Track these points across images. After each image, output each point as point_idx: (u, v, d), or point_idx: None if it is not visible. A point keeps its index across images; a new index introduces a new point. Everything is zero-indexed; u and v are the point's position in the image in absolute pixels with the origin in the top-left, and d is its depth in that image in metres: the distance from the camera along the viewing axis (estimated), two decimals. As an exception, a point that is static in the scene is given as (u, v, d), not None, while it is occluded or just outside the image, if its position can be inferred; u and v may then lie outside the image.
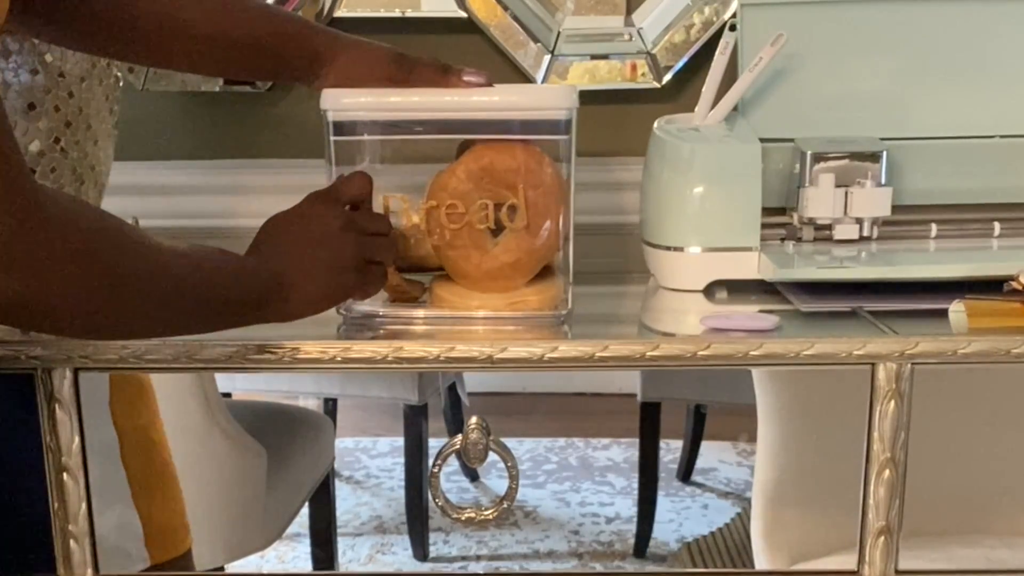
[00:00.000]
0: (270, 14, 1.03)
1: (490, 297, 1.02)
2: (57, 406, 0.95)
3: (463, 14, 1.62)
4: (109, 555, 1.03)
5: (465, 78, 1.00)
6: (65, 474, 0.96)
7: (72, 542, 0.98)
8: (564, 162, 1.01)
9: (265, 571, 2.15)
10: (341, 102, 1.00)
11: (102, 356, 0.94)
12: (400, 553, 2.28)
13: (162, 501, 1.11)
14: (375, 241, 0.95)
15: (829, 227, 1.14)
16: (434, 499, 1.03)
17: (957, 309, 0.98)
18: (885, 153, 1.13)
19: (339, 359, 0.95)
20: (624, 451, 2.69)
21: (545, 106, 1.01)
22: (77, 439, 0.96)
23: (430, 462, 1.16)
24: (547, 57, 1.65)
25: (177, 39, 0.99)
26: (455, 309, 1.02)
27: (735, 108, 1.18)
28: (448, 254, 1.01)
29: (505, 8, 1.62)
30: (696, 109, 1.20)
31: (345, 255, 0.92)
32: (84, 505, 0.97)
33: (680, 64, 1.61)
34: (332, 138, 1.00)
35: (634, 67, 1.63)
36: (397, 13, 1.64)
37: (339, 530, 2.08)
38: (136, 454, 1.08)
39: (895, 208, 1.14)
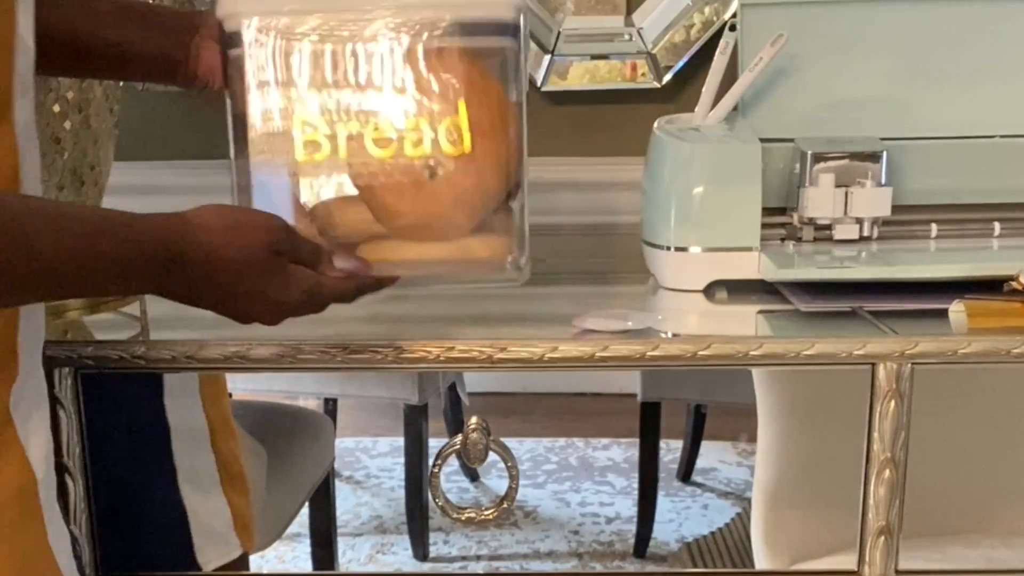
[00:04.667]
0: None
1: (428, 247, 0.87)
2: (57, 406, 0.95)
3: (463, 14, 1.62)
4: (208, 539, 1.10)
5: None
6: (65, 474, 0.96)
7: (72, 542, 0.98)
8: (512, 81, 0.87)
9: (265, 571, 2.15)
10: (238, 7, 0.86)
11: (103, 356, 0.94)
12: (400, 553, 2.28)
13: (242, 489, 1.15)
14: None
15: (829, 227, 1.14)
16: (434, 499, 1.03)
17: (957, 309, 0.98)
18: (885, 153, 1.13)
19: (339, 359, 0.95)
20: (624, 451, 2.69)
21: (488, 2, 0.86)
22: (77, 439, 0.96)
23: (430, 462, 1.16)
24: (547, 57, 1.65)
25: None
26: (388, 261, 0.88)
27: (735, 108, 1.18)
28: (376, 193, 0.86)
29: (505, 8, 1.62)
30: (696, 109, 1.20)
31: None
32: (84, 505, 0.97)
33: (680, 64, 1.61)
34: (230, 52, 0.86)
35: (634, 67, 1.63)
36: (397, 13, 1.64)
37: (339, 530, 2.08)
38: (223, 441, 1.13)
39: (895, 208, 1.13)
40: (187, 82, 0.92)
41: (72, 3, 0.91)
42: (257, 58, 0.85)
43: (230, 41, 0.83)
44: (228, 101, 0.86)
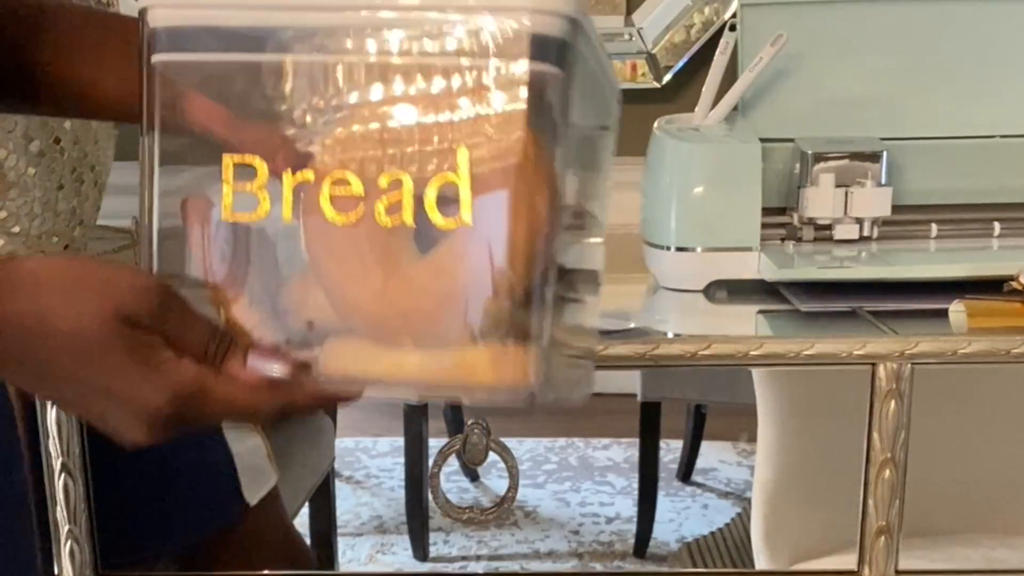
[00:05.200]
0: None
1: (408, 356, 0.59)
2: (58, 408, 0.95)
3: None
4: (251, 476, 1.21)
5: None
6: (66, 475, 0.96)
7: (72, 542, 0.98)
8: (550, 126, 0.57)
9: (266, 571, 2.14)
10: None
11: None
12: (400, 553, 2.28)
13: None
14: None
15: (829, 227, 1.14)
16: (434, 499, 1.03)
17: (957, 309, 0.98)
18: (885, 153, 1.13)
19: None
20: (624, 451, 2.69)
21: (517, 6, 0.56)
22: (77, 439, 0.96)
23: (430, 462, 1.16)
24: (547, 57, 1.65)
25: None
26: (349, 376, 0.60)
27: (735, 108, 1.18)
28: (332, 273, 0.60)
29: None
30: (696, 109, 1.20)
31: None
32: (84, 505, 0.97)
33: (680, 64, 1.61)
34: (155, 58, 0.60)
35: (634, 67, 1.63)
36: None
37: (339, 530, 2.08)
38: None
39: (895, 208, 1.13)
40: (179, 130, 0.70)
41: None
42: (176, 66, 0.61)
43: (152, 43, 0.61)
44: (143, 119, 0.62)
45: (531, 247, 0.58)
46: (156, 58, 0.61)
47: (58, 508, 0.97)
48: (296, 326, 0.60)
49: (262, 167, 0.59)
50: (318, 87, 0.59)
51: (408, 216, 0.57)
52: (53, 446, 0.96)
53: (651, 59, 1.62)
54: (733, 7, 1.38)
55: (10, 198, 1.01)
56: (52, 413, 0.96)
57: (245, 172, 0.59)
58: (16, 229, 1.03)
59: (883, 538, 0.98)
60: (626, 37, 1.65)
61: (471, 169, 0.57)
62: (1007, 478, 1.34)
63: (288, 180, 0.58)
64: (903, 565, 0.99)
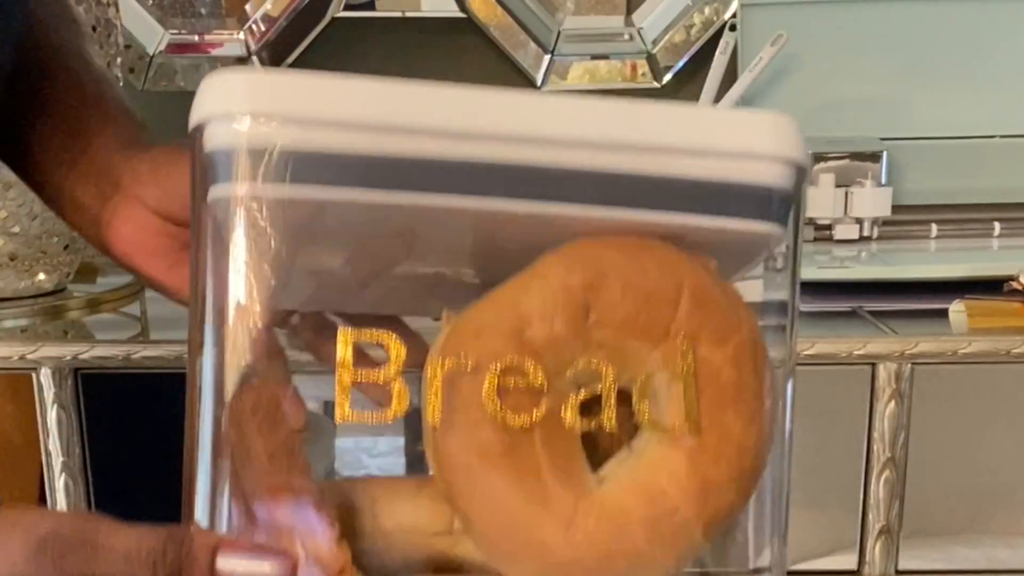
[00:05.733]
0: None
1: None
2: (58, 407, 0.95)
3: (463, 14, 1.62)
4: None
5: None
6: (65, 475, 0.96)
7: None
8: (775, 305, 0.48)
9: (265, 571, 2.15)
10: (261, 97, 0.43)
11: (103, 356, 0.94)
12: (400, 553, 2.28)
13: None
14: None
15: (829, 227, 1.14)
16: (434, 499, 1.02)
17: (957, 309, 0.98)
18: (885, 153, 1.13)
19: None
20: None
21: (737, 151, 0.44)
22: (77, 439, 0.96)
23: (430, 462, 1.16)
24: (547, 57, 1.65)
25: None
26: None
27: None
28: (491, 496, 0.43)
29: (505, 8, 1.62)
30: (696, 109, 1.20)
31: None
32: (84, 506, 0.97)
33: (680, 64, 1.61)
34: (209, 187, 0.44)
35: (634, 67, 1.63)
36: (397, 13, 1.64)
37: (339, 530, 2.07)
38: None
39: (895, 208, 1.13)
40: (106, 253, 0.59)
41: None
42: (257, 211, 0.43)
43: (208, 168, 0.44)
44: (192, 280, 0.46)
45: (756, 464, 0.48)
46: (211, 188, 0.43)
47: (58, 509, 0.97)
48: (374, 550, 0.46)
49: (398, 347, 0.43)
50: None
51: (610, 417, 0.42)
52: (53, 446, 0.96)
53: (651, 59, 1.62)
54: (733, 7, 1.38)
55: (10, 198, 1.01)
56: (52, 413, 0.96)
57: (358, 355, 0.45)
58: (16, 229, 1.03)
59: (883, 538, 0.98)
60: (626, 37, 1.65)
61: (685, 358, 0.43)
62: (1007, 478, 1.34)
63: (435, 367, 0.43)
64: (903, 565, 0.99)
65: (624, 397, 0.43)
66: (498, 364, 0.42)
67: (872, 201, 1.13)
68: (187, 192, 0.46)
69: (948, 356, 0.94)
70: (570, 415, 0.42)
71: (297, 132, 0.42)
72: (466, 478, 0.43)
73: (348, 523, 0.45)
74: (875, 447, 0.96)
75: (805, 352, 0.94)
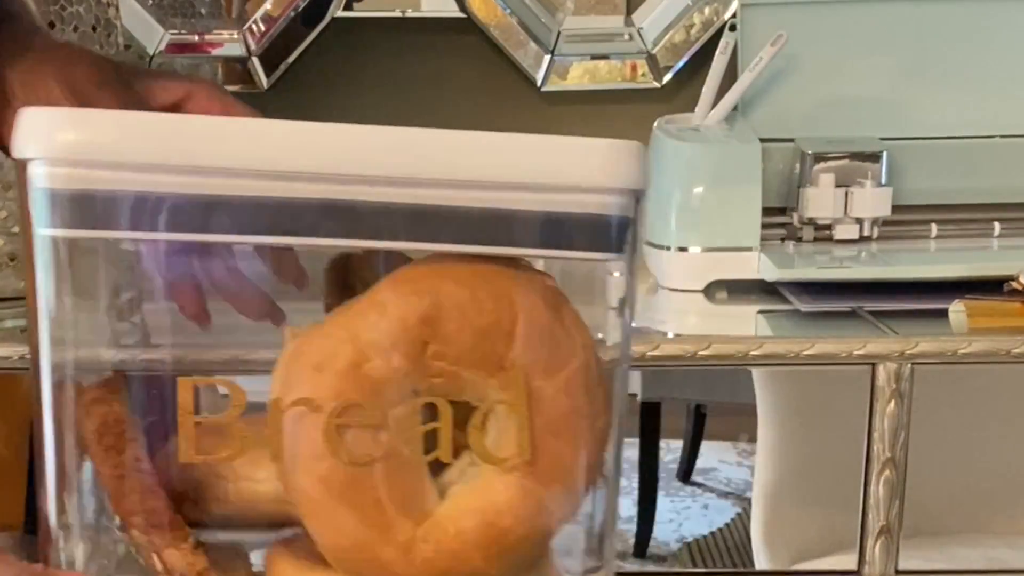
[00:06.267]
0: None
1: None
2: (57, 406, 0.95)
3: (463, 14, 1.62)
4: None
5: None
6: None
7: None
8: (607, 330, 0.48)
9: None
10: (74, 138, 0.43)
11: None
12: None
13: None
14: None
15: (829, 227, 1.14)
16: (434, 499, 1.02)
17: (957, 309, 0.98)
18: (885, 153, 1.13)
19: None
20: (624, 451, 2.69)
21: (576, 182, 0.45)
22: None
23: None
24: (547, 57, 1.65)
25: None
26: None
27: (735, 108, 1.18)
28: (340, 522, 0.45)
29: (505, 8, 1.62)
30: (696, 109, 1.20)
31: None
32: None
33: (680, 64, 1.61)
34: (49, 233, 0.46)
35: (634, 67, 1.63)
36: (397, 13, 1.64)
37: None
38: None
39: (895, 208, 1.13)
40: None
41: None
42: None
43: (66, 210, 0.44)
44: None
45: (595, 475, 0.50)
46: (45, 233, 0.45)
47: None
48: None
49: (238, 393, 0.46)
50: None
51: (446, 451, 0.45)
52: (53, 446, 0.96)
53: (651, 59, 1.62)
54: (733, 7, 1.38)
55: (10, 198, 1.01)
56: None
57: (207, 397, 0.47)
58: (16, 229, 1.03)
59: (883, 538, 0.98)
60: (626, 37, 1.65)
61: (527, 384, 0.45)
62: (1007, 478, 1.34)
63: (276, 410, 0.44)
64: (903, 565, 0.99)
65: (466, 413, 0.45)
66: (337, 404, 0.44)
67: (872, 201, 1.13)
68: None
69: (948, 356, 0.94)
70: (408, 451, 0.45)
71: (88, 174, 0.42)
72: (311, 508, 0.46)
73: (212, 492, 0.49)
74: (875, 447, 0.96)
75: (805, 352, 0.94)
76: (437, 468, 0.47)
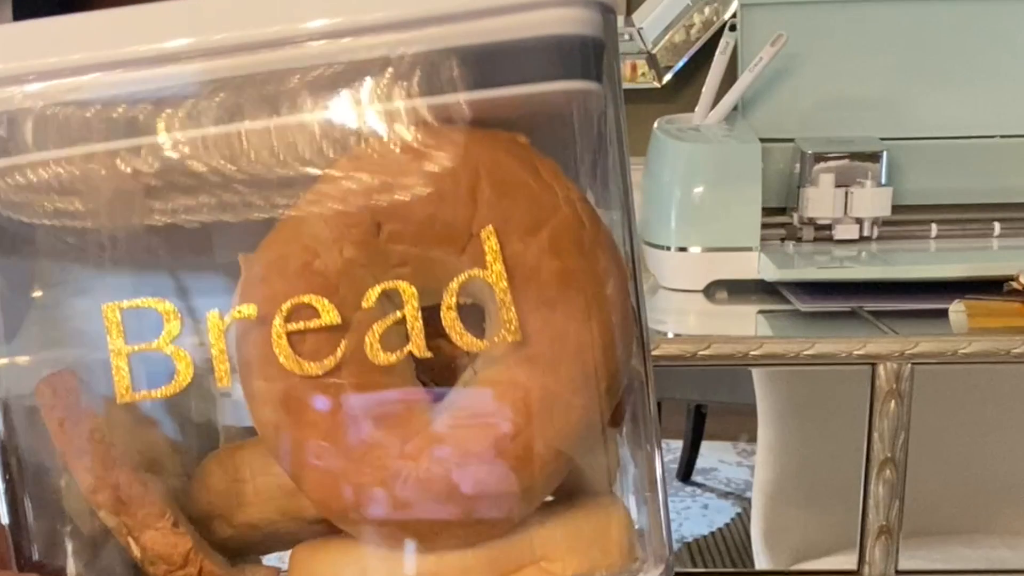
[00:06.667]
0: None
1: (442, 561, 0.38)
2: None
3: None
4: None
5: None
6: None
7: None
8: (598, 171, 0.40)
9: (265, 571, 2.14)
10: None
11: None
12: (400, 553, 2.28)
13: None
14: None
15: (829, 227, 1.14)
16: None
17: (957, 309, 0.98)
18: (885, 153, 1.13)
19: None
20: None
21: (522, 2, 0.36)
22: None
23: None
24: (547, 57, 1.65)
25: None
26: None
27: (735, 108, 1.18)
28: (303, 450, 0.38)
29: (505, 8, 1.62)
30: (696, 109, 1.20)
31: None
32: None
33: (680, 64, 1.61)
34: None
35: (634, 67, 1.63)
36: None
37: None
38: None
39: (895, 208, 1.13)
40: None
41: None
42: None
43: None
44: None
45: (610, 368, 0.38)
46: None
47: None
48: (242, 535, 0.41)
49: (173, 313, 0.37)
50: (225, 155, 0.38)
51: (418, 344, 0.37)
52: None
53: (651, 59, 1.62)
54: (733, 7, 1.38)
55: None
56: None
57: (144, 321, 0.38)
58: None
59: (883, 538, 0.98)
60: (626, 37, 1.65)
61: (503, 254, 0.36)
62: (1007, 478, 1.34)
63: (216, 324, 0.37)
64: (903, 565, 0.99)
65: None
66: (283, 309, 0.36)
67: (872, 201, 1.13)
68: None
69: (948, 356, 0.94)
70: (372, 351, 0.36)
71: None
72: (277, 437, 0.38)
73: (234, 499, 0.42)
74: (875, 447, 0.96)
75: (805, 352, 0.94)
76: (445, 371, 0.39)
